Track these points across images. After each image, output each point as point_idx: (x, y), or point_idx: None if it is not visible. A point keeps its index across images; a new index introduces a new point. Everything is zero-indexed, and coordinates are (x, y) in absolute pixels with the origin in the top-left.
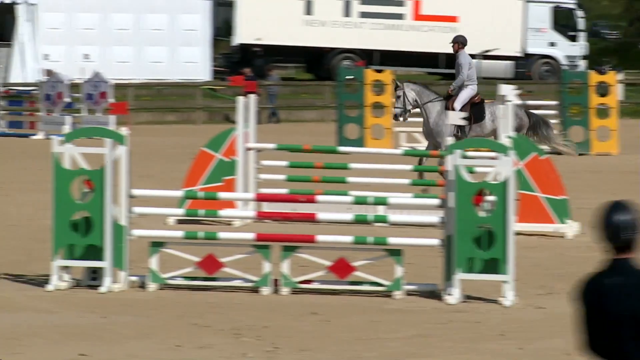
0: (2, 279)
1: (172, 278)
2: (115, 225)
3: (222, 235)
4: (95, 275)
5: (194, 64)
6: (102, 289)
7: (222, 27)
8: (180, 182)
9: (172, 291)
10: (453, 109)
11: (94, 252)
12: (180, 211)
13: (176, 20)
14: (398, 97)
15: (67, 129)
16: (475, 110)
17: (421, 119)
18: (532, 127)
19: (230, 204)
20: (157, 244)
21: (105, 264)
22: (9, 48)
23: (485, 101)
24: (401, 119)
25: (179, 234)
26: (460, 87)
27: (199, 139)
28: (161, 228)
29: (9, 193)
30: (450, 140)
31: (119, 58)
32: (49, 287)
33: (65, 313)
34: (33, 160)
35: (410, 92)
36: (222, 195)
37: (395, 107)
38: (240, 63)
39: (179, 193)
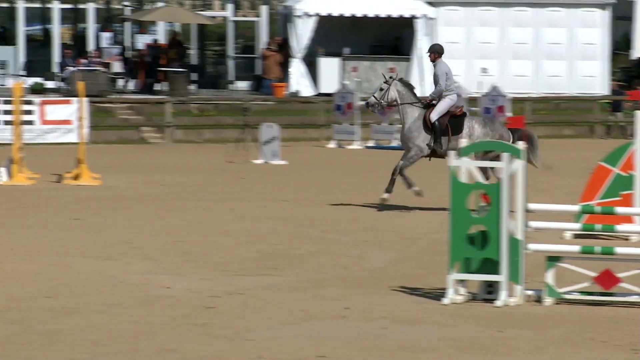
0: (399, 292)
1: (568, 293)
2: (511, 239)
3: (619, 250)
4: (491, 289)
5: (592, 78)
6: (498, 303)
7: (621, 41)
8: (576, 197)
9: (568, 306)
10: (430, 120)
11: (490, 265)
12: (576, 226)
13: (575, 35)
14: (381, 89)
15: (464, 142)
16: (453, 123)
17: None
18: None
19: (627, 218)
20: (553, 259)
21: (501, 277)
22: (408, 62)
23: (467, 115)
24: (371, 108)
25: (576, 248)
26: (439, 98)
27: (596, 153)
28: (557, 242)
29: (410, 207)
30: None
31: (517, 72)
32: (445, 301)
33: (461, 327)
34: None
35: (394, 91)
36: (620, 210)
37: (372, 96)
38: (639, 77)
39: (575, 207)
